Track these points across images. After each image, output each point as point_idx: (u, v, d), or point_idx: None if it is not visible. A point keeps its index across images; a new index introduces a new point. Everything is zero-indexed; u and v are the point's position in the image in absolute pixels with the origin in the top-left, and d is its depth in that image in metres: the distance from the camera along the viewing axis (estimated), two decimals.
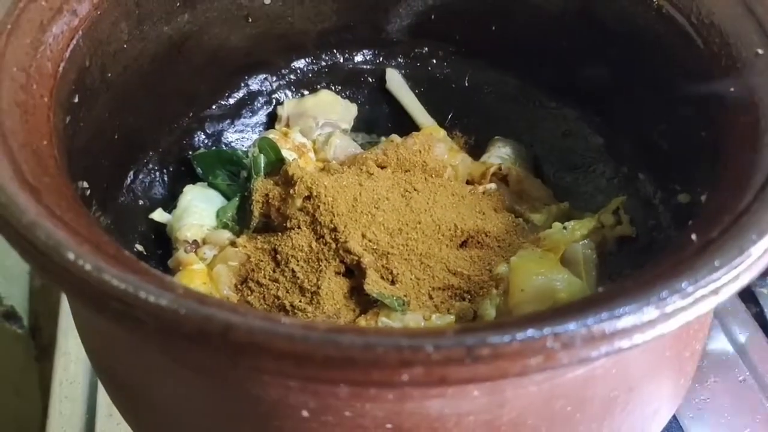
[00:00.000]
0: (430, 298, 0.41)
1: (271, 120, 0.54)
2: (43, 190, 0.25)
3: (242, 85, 0.52)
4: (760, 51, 0.33)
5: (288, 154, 0.48)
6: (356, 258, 0.41)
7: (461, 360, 0.20)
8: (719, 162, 0.32)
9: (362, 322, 0.40)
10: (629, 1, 0.41)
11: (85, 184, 0.39)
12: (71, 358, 0.52)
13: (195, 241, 0.45)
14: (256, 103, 0.53)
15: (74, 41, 0.35)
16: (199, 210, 0.47)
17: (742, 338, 0.53)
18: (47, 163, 0.28)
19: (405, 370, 0.20)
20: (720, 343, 0.53)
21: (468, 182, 0.50)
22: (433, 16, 0.51)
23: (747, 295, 0.59)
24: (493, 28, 0.50)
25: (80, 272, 0.22)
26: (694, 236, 0.25)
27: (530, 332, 0.21)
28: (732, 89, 0.33)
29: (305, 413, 0.26)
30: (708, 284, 0.22)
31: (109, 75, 0.40)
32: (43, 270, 0.23)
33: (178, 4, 0.44)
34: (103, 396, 0.51)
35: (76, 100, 0.36)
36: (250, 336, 0.20)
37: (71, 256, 0.22)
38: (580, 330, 0.21)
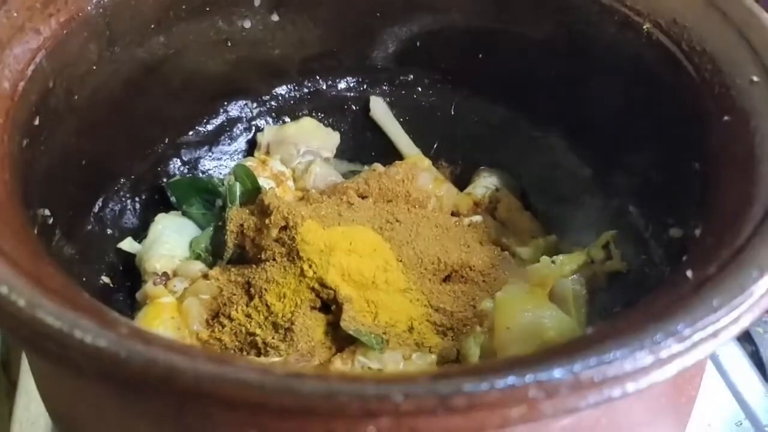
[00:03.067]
0: (411, 335, 0.39)
1: (251, 147, 0.52)
2: None
3: (221, 110, 0.51)
4: (755, 78, 0.31)
5: (265, 182, 0.47)
6: (332, 291, 0.38)
7: (434, 410, 0.18)
8: (713, 194, 0.30)
9: (338, 361, 0.37)
10: (617, 28, 0.40)
11: (47, 212, 0.37)
12: (32, 397, 0.49)
13: (165, 273, 0.43)
14: (235, 130, 0.52)
15: (36, 61, 0.33)
16: (170, 240, 0.45)
17: (737, 380, 0.51)
18: None
19: (371, 421, 0.18)
20: (716, 386, 0.50)
21: (453, 214, 0.48)
22: (418, 44, 0.50)
23: (742, 334, 0.57)
24: (480, 56, 0.49)
25: (12, 308, 0.20)
26: (689, 273, 0.23)
27: (511, 380, 0.19)
28: (725, 118, 0.32)
29: None
30: (706, 326, 0.20)
31: (76, 98, 0.38)
32: None
33: (152, 26, 0.42)
34: None
35: (37, 122, 0.34)
36: (197, 382, 0.18)
37: (4, 289, 0.20)
38: (566, 377, 0.19)
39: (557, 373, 0.19)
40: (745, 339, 0.56)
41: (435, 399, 0.18)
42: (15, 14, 0.33)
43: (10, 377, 0.83)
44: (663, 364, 0.20)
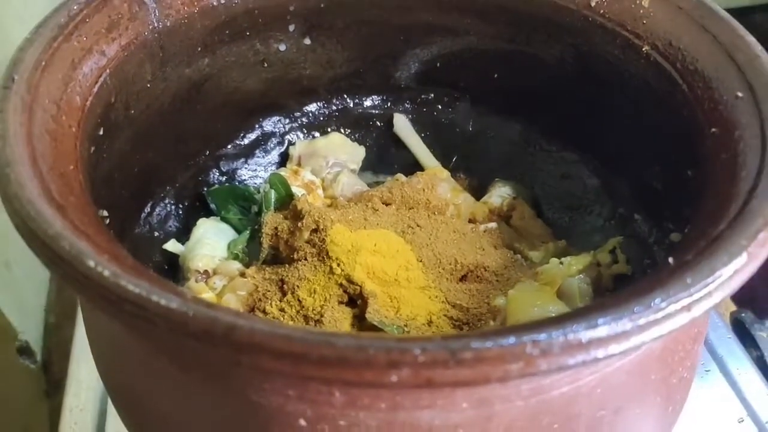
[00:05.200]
0: (430, 328, 0.42)
1: (284, 160, 0.56)
2: (68, 207, 0.28)
3: (257, 126, 0.55)
4: (740, 94, 0.35)
5: (297, 190, 0.51)
6: (358, 287, 0.42)
7: (446, 363, 0.22)
8: (702, 197, 0.34)
9: None
10: (620, 50, 0.43)
11: (105, 213, 0.41)
12: (82, 386, 0.54)
13: (206, 271, 0.47)
14: (269, 144, 0.56)
15: (102, 79, 0.38)
16: (211, 242, 0.49)
17: (741, 381, 0.53)
18: (73, 185, 0.30)
19: (394, 371, 0.22)
20: (719, 385, 0.53)
21: (470, 221, 0.52)
22: (438, 64, 0.54)
23: (747, 339, 0.59)
24: (496, 75, 0.53)
25: (99, 278, 0.24)
26: (671, 259, 0.27)
27: (511, 339, 0.22)
28: (714, 129, 0.35)
29: (303, 422, 0.27)
30: (679, 300, 0.24)
31: (132, 112, 0.43)
32: (66, 277, 0.25)
33: (199, 48, 0.47)
34: (111, 423, 0.52)
35: (101, 132, 0.38)
36: (251, 336, 0.22)
37: (91, 263, 0.24)
38: (557, 338, 0.22)
39: (550, 334, 0.23)
40: (751, 344, 0.59)
41: (446, 353, 0.22)
42: (85, 38, 0.37)
43: (51, 378, 0.88)
44: (641, 330, 0.23)
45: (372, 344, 0.22)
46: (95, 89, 0.37)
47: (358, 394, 0.25)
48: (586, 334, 0.23)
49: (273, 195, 0.49)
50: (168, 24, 0.43)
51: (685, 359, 0.33)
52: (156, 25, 0.42)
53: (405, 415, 0.26)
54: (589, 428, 0.30)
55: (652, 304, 0.24)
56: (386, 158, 0.58)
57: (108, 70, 0.39)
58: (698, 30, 0.39)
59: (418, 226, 0.47)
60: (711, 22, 0.38)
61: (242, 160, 0.55)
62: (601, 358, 0.23)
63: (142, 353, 0.30)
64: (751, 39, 0.37)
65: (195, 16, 0.44)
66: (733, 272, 0.25)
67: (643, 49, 0.42)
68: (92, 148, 0.37)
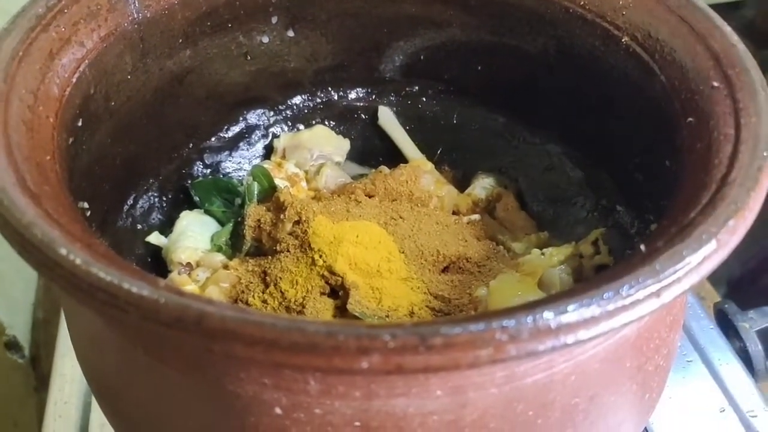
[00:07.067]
0: (411, 319, 0.43)
1: (268, 152, 0.56)
2: (42, 197, 0.28)
3: (241, 118, 0.55)
4: (716, 84, 0.35)
5: (281, 182, 0.51)
6: (340, 278, 0.42)
7: (416, 348, 0.22)
8: (678, 186, 0.34)
9: None
10: (600, 41, 0.44)
11: (86, 205, 0.41)
12: (67, 380, 0.54)
13: (189, 264, 0.47)
14: (253, 136, 0.56)
15: (80, 70, 0.38)
16: (194, 234, 0.49)
17: (722, 371, 0.54)
18: (49, 175, 0.30)
19: (364, 358, 0.22)
20: (700, 376, 0.53)
21: (454, 213, 0.52)
22: (422, 57, 0.54)
23: (730, 330, 0.60)
24: (479, 68, 0.53)
25: (71, 266, 0.24)
26: (642, 247, 0.27)
27: (480, 325, 0.22)
28: (690, 119, 0.35)
29: (278, 410, 0.27)
30: (648, 286, 0.24)
31: (113, 103, 0.42)
32: (39, 265, 0.25)
33: (180, 40, 0.46)
34: (95, 416, 0.52)
35: (80, 123, 0.38)
36: (222, 323, 0.22)
37: (63, 251, 0.24)
38: (526, 324, 0.23)
39: (519, 320, 0.23)
40: (733, 335, 0.60)
41: (417, 339, 0.22)
42: (63, 29, 0.37)
43: (39, 373, 0.88)
44: (611, 316, 0.24)
45: (342, 330, 0.22)
46: (74, 80, 0.37)
47: (333, 382, 0.25)
48: (555, 320, 0.23)
49: (256, 187, 0.49)
50: (148, 15, 0.42)
51: (661, 347, 0.33)
52: (136, 16, 0.42)
53: (380, 403, 0.27)
54: (564, 415, 0.30)
55: (621, 290, 0.24)
56: (371, 151, 0.58)
57: (87, 61, 0.38)
58: (676, 20, 0.39)
59: (400, 217, 0.48)
60: (688, 12, 0.38)
61: (226, 152, 0.55)
62: (571, 344, 0.23)
63: (120, 344, 0.30)
64: (727, 28, 0.37)
65: (175, 7, 0.44)
66: (702, 259, 0.25)
67: (623, 41, 0.42)
68: (71, 139, 0.37)
